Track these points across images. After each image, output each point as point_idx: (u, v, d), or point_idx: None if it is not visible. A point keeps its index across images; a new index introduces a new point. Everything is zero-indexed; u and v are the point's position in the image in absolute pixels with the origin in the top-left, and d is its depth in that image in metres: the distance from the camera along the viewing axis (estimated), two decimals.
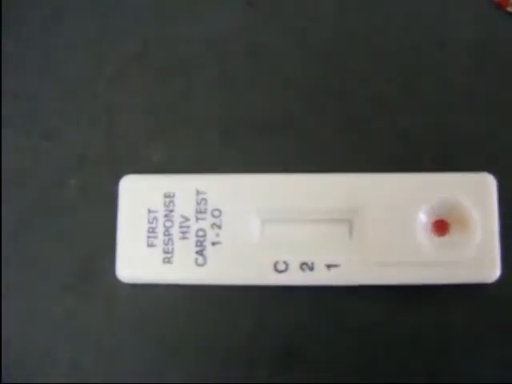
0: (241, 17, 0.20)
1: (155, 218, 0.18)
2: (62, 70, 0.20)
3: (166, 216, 0.18)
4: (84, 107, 0.19)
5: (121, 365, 0.18)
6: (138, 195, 0.18)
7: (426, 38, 0.19)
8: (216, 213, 0.18)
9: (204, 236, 0.18)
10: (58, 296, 0.19)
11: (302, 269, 0.17)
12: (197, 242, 0.18)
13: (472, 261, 0.17)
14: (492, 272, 0.17)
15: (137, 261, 0.18)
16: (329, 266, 0.17)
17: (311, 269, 0.17)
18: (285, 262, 0.17)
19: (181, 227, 0.18)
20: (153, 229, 0.18)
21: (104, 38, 0.20)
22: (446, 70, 0.19)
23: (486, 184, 0.18)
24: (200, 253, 0.18)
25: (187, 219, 0.18)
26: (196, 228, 0.18)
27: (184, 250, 0.18)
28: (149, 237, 0.18)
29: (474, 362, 0.18)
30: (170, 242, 0.18)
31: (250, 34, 0.19)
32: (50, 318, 0.19)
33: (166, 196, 0.18)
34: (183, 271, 0.18)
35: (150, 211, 0.18)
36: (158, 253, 0.18)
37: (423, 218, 0.17)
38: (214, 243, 0.18)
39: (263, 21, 0.20)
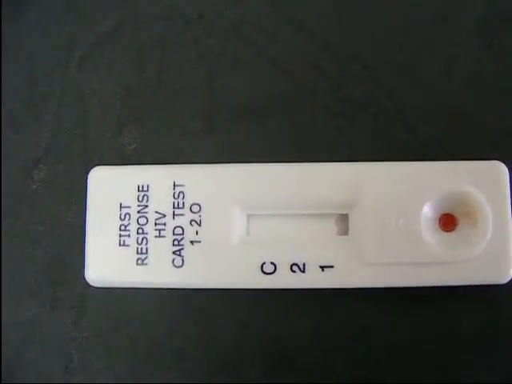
0: None
1: (127, 215, 0.16)
2: (27, 53, 0.18)
3: (139, 212, 0.16)
4: (52, 92, 0.18)
5: (91, 376, 0.17)
6: (109, 189, 0.16)
7: (429, 13, 0.18)
8: (195, 208, 0.16)
9: (182, 234, 0.16)
10: (23, 300, 0.18)
11: (293, 270, 0.16)
12: (174, 240, 0.16)
13: (483, 259, 0.16)
14: (505, 272, 0.16)
15: (107, 262, 0.16)
16: (322, 267, 0.16)
17: (302, 270, 0.16)
18: (273, 263, 0.16)
19: (156, 224, 0.16)
20: (125, 226, 0.16)
21: (73, 16, 0.18)
22: (451, 49, 0.18)
23: (498, 173, 0.16)
24: (177, 253, 0.16)
25: (163, 215, 0.16)
26: (173, 225, 0.16)
27: (160, 250, 0.16)
28: (121, 235, 0.16)
29: (486, 369, 0.17)
30: (144, 241, 0.16)
31: (232, 9, 0.18)
32: (15, 324, 0.18)
33: (139, 189, 0.16)
34: (159, 273, 0.16)
35: (121, 206, 0.16)
36: (130, 253, 0.16)
37: (428, 211, 0.16)
38: (192, 242, 0.16)
39: None
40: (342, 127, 0.17)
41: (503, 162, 0.16)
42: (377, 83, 0.18)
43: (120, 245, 0.16)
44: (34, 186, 0.18)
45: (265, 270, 0.16)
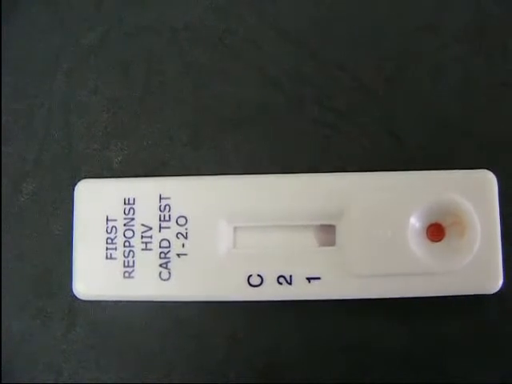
0: (208, 1, 0.18)
1: (114, 228, 0.16)
2: (13, 64, 0.18)
3: (125, 225, 0.16)
4: (39, 105, 0.18)
5: None
6: (95, 202, 0.16)
7: (416, 21, 0.18)
8: (181, 220, 0.16)
9: (168, 247, 0.16)
10: (12, 314, 0.17)
11: (279, 282, 0.16)
12: (160, 253, 0.16)
13: (471, 269, 0.16)
14: (493, 282, 0.16)
15: (94, 275, 0.16)
16: (309, 279, 0.16)
17: (289, 282, 0.16)
18: (259, 275, 0.16)
19: (142, 237, 0.16)
20: (112, 239, 0.16)
21: (59, 29, 0.18)
22: (438, 57, 0.18)
23: (486, 182, 0.16)
24: (164, 266, 0.16)
25: (149, 228, 0.16)
26: (159, 238, 0.16)
27: (146, 263, 0.16)
28: (107, 248, 0.16)
29: (473, 379, 0.17)
30: (131, 254, 0.16)
31: (218, 20, 0.18)
32: (3, 337, 0.17)
33: (125, 202, 0.16)
34: (146, 286, 0.16)
35: (108, 219, 0.16)
36: (117, 266, 0.16)
37: (416, 222, 0.16)
38: (179, 255, 0.16)
39: (233, 5, 0.18)
40: (330, 137, 0.17)
41: (491, 171, 0.16)
42: (364, 92, 0.17)
43: (107, 258, 0.16)
44: (22, 199, 0.18)
45: (251, 282, 0.16)
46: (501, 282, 0.16)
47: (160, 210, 0.16)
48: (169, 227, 0.16)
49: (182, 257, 0.16)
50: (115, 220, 0.16)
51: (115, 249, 0.16)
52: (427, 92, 0.17)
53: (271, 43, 0.18)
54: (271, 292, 0.16)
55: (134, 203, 0.16)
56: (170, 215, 0.16)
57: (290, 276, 0.16)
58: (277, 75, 0.18)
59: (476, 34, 0.18)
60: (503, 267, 0.16)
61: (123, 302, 0.17)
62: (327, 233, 0.16)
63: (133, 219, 0.16)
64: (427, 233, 0.16)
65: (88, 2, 0.18)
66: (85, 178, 0.17)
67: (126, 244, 0.16)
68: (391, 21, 0.18)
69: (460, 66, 0.18)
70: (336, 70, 0.18)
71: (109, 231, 0.16)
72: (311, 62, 0.18)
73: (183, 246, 0.16)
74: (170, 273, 0.16)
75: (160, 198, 0.16)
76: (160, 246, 0.16)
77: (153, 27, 0.18)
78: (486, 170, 0.16)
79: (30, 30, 0.18)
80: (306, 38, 0.18)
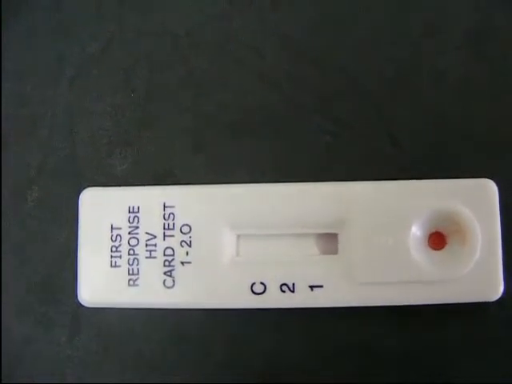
0: (209, 6, 0.18)
1: (119, 236, 0.16)
2: (17, 73, 0.18)
3: (130, 233, 0.16)
4: (43, 113, 0.18)
5: None
6: (100, 210, 0.17)
7: (417, 26, 0.18)
8: (185, 229, 0.16)
9: (172, 255, 0.16)
10: (16, 319, 0.17)
11: (282, 290, 0.16)
12: (165, 261, 0.16)
13: (472, 277, 0.16)
14: (494, 290, 0.16)
15: (99, 283, 0.16)
16: (312, 287, 0.16)
17: (292, 290, 0.16)
18: (262, 283, 0.16)
19: (147, 245, 0.16)
20: (116, 247, 0.16)
21: (62, 36, 0.18)
22: (440, 62, 0.18)
23: (487, 191, 0.16)
24: (168, 274, 0.16)
25: (154, 236, 0.16)
26: (164, 246, 0.16)
27: (151, 271, 0.16)
28: (112, 256, 0.16)
29: None
30: (136, 262, 0.16)
31: (219, 26, 0.18)
32: (7, 344, 0.17)
33: (130, 211, 0.16)
34: (150, 294, 0.16)
35: (112, 228, 0.16)
36: (122, 274, 0.16)
37: (417, 230, 0.16)
38: (183, 263, 0.16)
39: (234, 10, 0.18)
40: (333, 146, 0.17)
41: (492, 179, 0.16)
42: (365, 99, 0.17)
43: (112, 266, 0.16)
44: (28, 207, 0.18)
45: (255, 290, 0.16)
46: (502, 289, 0.16)
47: (164, 219, 0.16)
48: (173, 235, 0.16)
49: (185, 265, 0.16)
50: (120, 228, 0.16)
51: (120, 257, 0.16)
52: (428, 97, 0.17)
53: (273, 49, 0.18)
54: (274, 300, 0.16)
55: (138, 211, 0.16)
56: (174, 223, 0.16)
57: (293, 284, 0.16)
58: (278, 82, 0.17)
59: (477, 38, 0.18)
60: (504, 275, 0.16)
61: (126, 310, 0.17)
62: (329, 241, 0.16)
63: (137, 227, 0.16)
64: (428, 241, 0.16)
65: (91, 10, 0.18)
66: (89, 186, 0.17)
67: (131, 252, 0.16)
68: (393, 26, 0.18)
69: (461, 71, 0.17)
70: (337, 77, 0.17)
71: (113, 239, 0.16)
72: (313, 69, 0.18)
73: (187, 254, 0.16)
74: (174, 281, 0.16)
75: (164, 207, 0.16)
76: (164, 254, 0.16)
77: (155, 34, 0.18)
78: (486, 179, 0.16)
79: (34, 38, 0.18)
80: (307, 45, 0.18)
